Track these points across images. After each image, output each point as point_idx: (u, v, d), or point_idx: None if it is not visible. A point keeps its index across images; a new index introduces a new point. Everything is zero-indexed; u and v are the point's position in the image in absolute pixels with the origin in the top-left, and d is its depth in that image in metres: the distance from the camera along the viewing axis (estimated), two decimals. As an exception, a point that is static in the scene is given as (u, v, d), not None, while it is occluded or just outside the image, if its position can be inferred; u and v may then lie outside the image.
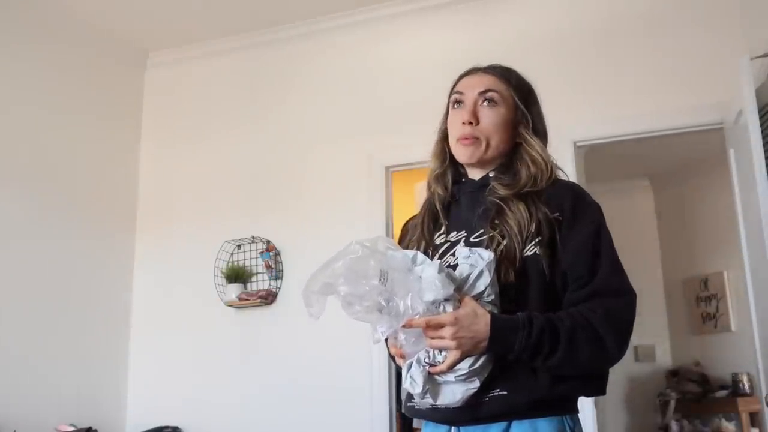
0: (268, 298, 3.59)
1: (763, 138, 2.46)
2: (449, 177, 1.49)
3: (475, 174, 1.47)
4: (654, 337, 5.40)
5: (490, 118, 1.42)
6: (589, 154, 3.52)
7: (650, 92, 3.19)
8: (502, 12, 3.54)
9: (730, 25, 3.10)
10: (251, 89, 3.98)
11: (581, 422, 1.34)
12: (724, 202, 3.50)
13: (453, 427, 1.32)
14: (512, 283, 1.29)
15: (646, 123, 3.18)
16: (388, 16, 3.72)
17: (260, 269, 3.68)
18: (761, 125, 2.47)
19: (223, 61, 4.08)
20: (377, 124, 3.64)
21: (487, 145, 1.42)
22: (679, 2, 3.25)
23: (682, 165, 5.25)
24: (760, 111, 2.48)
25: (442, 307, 1.21)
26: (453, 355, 1.20)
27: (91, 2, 3.67)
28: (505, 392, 1.26)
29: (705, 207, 5.15)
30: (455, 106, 1.47)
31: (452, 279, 1.24)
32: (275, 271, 3.63)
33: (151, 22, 3.90)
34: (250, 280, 3.70)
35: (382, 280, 1.17)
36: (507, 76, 1.47)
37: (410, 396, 1.33)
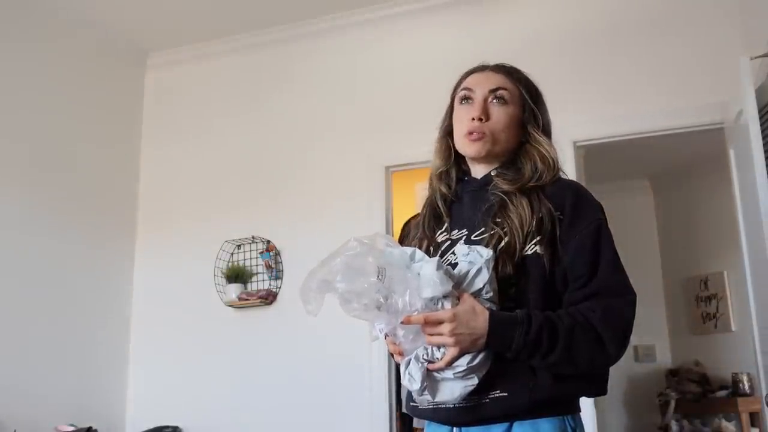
0: (268, 298, 3.59)
1: (763, 138, 2.46)
2: (453, 175, 1.49)
3: (478, 172, 1.46)
4: (654, 337, 5.39)
5: (500, 116, 1.42)
6: (589, 154, 3.52)
7: (650, 92, 3.19)
8: (502, 12, 3.54)
9: (730, 25, 3.10)
10: (251, 89, 3.98)
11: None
12: (724, 202, 3.50)
13: (455, 428, 1.32)
14: (512, 279, 1.29)
15: (646, 123, 3.18)
16: (388, 16, 3.73)
17: (260, 269, 3.68)
18: (761, 125, 2.47)
19: (223, 61, 4.08)
20: (377, 124, 3.65)
21: (495, 141, 1.41)
22: (679, 2, 3.26)
23: (682, 165, 5.25)
24: (760, 111, 2.47)
25: (440, 304, 1.21)
26: (451, 351, 1.20)
27: (92, 3, 3.67)
28: (506, 394, 1.25)
29: (705, 207, 5.15)
30: (463, 102, 1.45)
31: (451, 276, 1.24)
32: (275, 271, 3.63)
33: (151, 23, 3.90)
34: (250, 280, 3.70)
35: (380, 277, 1.17)
36: (516, 75, 1.47)
37: (412, 396, 1.33)
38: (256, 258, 3.70)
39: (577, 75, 3.30)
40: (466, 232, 1.39)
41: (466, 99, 1.45)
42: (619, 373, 5.09)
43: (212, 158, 3.98)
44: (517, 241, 1.30)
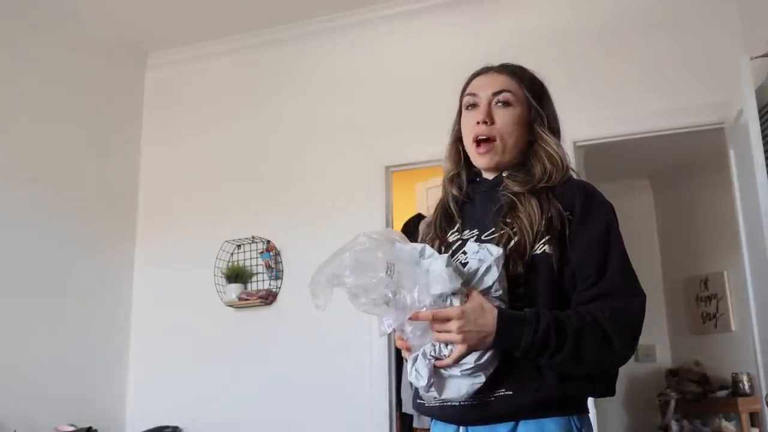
0: (268, 298, 3.59)
1: (763, 138, 2.46)
2: (464, 178, 1.50)
3: (489, 174, 1.47)
4: (654, 337, 5.39)
5: (505, 118, 1.42)
6: (589, 154, 3.52)
7: (651, 92, 3.19)
8: (502, 12, 3.55)
9: (730, 25, 3.11)
10: (251, 89, 3.98)
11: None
12: (724, 202, 3.50)
13: (461, 428, 1.31)
14: (521, 278, 1.29)
15: (646, 123, 3.18)
16: (388, 16, 3.73)
17: (260, 269, 3.68)
18: (761, 125, 2.47)
19: (223, 61, 4.08)
20: (377, 123, 3.65)
21: (504, 146, 1.42)
22: (679, 2, 3.26)
23: (682, 165, 5.25)
24: (760, 111, 2.48)
25: (449, 300, 1.20)
26: (459, 348, 1.20)
27: (92, 2, 3.67)
28: (511, 392, 1.25)
29: (705, 207, 5.15)
30: (469, 108, 1.46)
31: (460, 273, 1.23)
32: (275, 271, 3.63)
33: (151, 22, 3.90)
34: (250, 280, 3.70)
35: (389, 272, 1.17)
36: (520, 75, 1.47)
37: (418, 393, 1.33)
38: (256, 258, 3.70)
39: (578, 75, 3.30)
40: (477, 232, 1.39)
41: (471, 105, 1.46)
42: (619, 373, 5.08)
43: (212, 158, 3.98)
44: (527, 241, 1.30)
